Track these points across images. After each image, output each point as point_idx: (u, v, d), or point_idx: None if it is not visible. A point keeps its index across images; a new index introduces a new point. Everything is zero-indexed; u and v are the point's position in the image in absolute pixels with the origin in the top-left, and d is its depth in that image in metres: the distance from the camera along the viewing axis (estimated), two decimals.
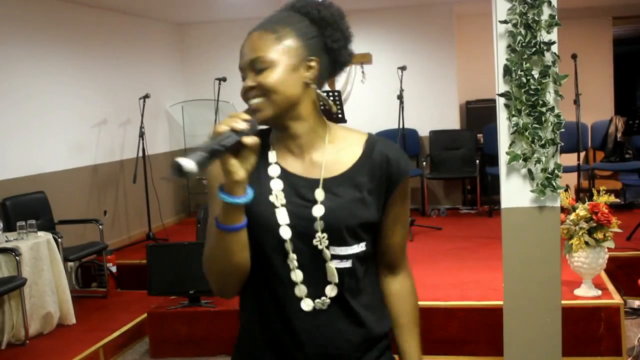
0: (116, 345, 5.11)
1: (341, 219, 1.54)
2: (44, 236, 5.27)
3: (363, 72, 8.84)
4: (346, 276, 1.57)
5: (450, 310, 4.77)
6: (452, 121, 8.74)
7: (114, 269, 6.42)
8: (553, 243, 3.30)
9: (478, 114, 8.95)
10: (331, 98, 6.55)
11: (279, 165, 1.59)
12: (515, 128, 3.20)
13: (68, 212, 6.58)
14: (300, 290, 1.55)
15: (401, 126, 6.74)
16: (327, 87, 8.48)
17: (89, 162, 7.24)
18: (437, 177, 8.60)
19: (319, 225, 1.53)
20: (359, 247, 1.57)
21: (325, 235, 1.53)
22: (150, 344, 5.12)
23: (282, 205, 1.55)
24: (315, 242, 1.54)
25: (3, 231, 5.26)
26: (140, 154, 7.27)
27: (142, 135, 7.28)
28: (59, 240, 5.45)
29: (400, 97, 6.79)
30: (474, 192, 8.55)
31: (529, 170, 3.23)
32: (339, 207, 1.54)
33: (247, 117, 1.44)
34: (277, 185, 1.57)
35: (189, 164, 1.29)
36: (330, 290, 1.56)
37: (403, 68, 6.90)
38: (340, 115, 6.62)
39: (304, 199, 1.56)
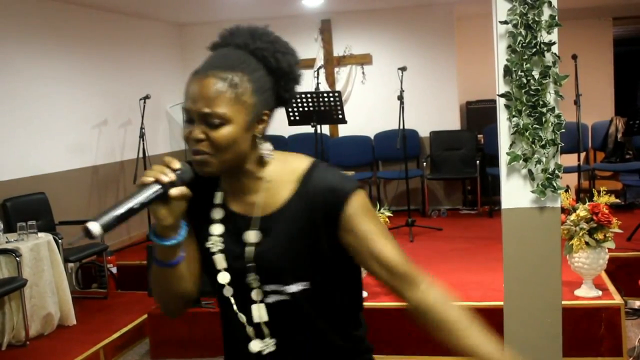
0: (116, 346, 5.11)
1: (273, 259, 1.51)
2: (45, 237, 5.27)
3: (363, 73, 8.86)
4: (287, 317, 1.54)
5: None
6: (452, 122, 8.74)
7: (114, 270, 6.42)
8: (553, 243, 3.31)
9: (478, 115, 8.94)
10: (331, 99, 6.55)
11: (223, 206, 1.58)
12: (515, 128, 3.20)
13: (68, 213, 6.58)
14: (249, 331, 1.56)
15: (401, 127, 6.74)
16: (327, 88, 8.50)
17: (90, 163, 7.25)
18: (438, 178, 8.59)
19: (250, 266, 1.52)
20: (297, 287, 1.52)
21: (257, 276, 1.52)
22: (150, 345, 5.12)
23: (220, 251, 1.55)
24: (247, 282, 1.53)
25: (3, 232, 5.26)
26: (141, 155, 7.27)
27: (142, 136, 7.28)
28: (60, 241, 5.45)
29: (400, 97, 6.79)
30: (475, 193, 8.55)
31: (530, 171, 3.23)
32: (272, 247, 1.51)
33: (177, 166, 1.42)
34: (216, 230, 1.57)
35: (95, 228, 1.32)
36: (265, 329, 1.55)
37: (403, 69, 6.90)
38: (340, 116, 6.62)
39: (242, 240, 1.54)
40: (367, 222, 1.51)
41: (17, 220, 5.38)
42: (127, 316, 5.46)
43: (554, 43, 3.16)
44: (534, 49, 3.13)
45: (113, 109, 7.64)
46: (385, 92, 8.25)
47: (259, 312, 1.54)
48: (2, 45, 5.99)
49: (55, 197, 6.36)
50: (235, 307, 1.55)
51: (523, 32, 3.13)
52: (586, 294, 4.65)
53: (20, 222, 5.26)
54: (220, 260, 1.55)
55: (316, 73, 7.28)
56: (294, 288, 1.52)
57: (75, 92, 7.01)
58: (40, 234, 5.31)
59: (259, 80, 1.47)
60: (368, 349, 1.72)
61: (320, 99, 6.54)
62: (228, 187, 1.57)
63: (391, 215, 4.92)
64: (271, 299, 1.53)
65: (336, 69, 8.90)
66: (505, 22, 3.18)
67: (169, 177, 1.40)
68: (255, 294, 1.53)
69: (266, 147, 1.52)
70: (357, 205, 1.50)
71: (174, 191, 1.40)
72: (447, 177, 8.57)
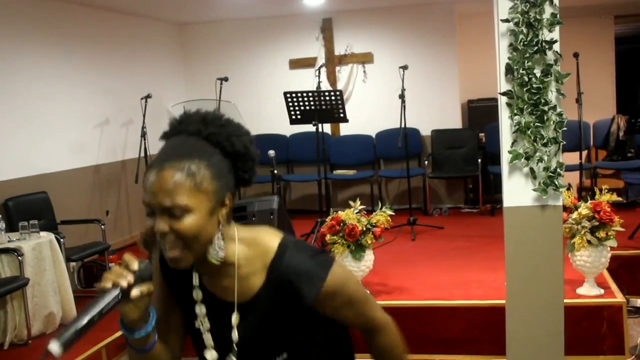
0: (118, 344, 5.11)
1: (253, 344, 1.57)
2: (47, 236, 5.27)
3: (365, 72, 8.86)
4: None
5: (453, 309, 4.76)
6: (453, 120, 8.73)
7: None
8: (555, 242, 3.30)
9: (480, 113, 8.94)
10: (333, 98, 6.55)
11: (201, 288, 1.60)
12: (517, 127, 3.20)
13: (70, 212, 6.58)
14: None
15: (403, 125, 6.74)
16: (328, 87, 8.50)
17: (91, 162, 7.25)
18: (439, 177, 8.59)
19: (234, 350, 1.58)
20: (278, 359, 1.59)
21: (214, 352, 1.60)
22: None
23: (208, 331, 1.60)
24: None
25: (5, 231, 5.26)
26: (142, 154, 7.28)
27: (144, 135, 7.28)
28: (62, 240, 5.46)
29: (402, 96, 6.79)
30: (476, 191, 8.54)
31: (531, 169, 3.22)
32: (252, 333, 1.56)
33: (135, 267, 1.42)
34: (201, 310, 1.60)
35: (55, 348, 1.35)
36: None
37: (405, 67, 6.89)
38: (342, 115, 6.62)
39: (224, 322, 1.58)
40: (335, 301, 1.57)
41: (19, 220, 5.38)
42: None
43: (556, 41, 3.15)
44: (536, 47, 3.13)
45: (114, 108, 7.64)
46: (387, 91, 8.25)
47: None
48: (3, 45, 5.99)
49: (57, 197, 6.37)
50: None
51: (524, 30, 3.13)
52: (588, 293, 4.65)
53: (22, 221, 5.26)
54: (208, 339, 1.61)
55: (317, 72, 7.28)
56: None
57: (77, 91, 7.02)
58: (42, 233, 5.31)
59: (216, 165, 1.46)
60: None
61: (322, 98, 6.54)
62: (201, 270, 1.58)
63: (393, 214, 4.92)
64: None
65: (337, 68, 8.90)
66: (507, 21, 3.17)
67: (127, 279, 1.40)
68: (210, 355, 1.60)
69: (218, 245, 1.49)
70: (332, 287, 1.54)
71: (134, 292, 1.41)
72: (448, 175, 8.58)
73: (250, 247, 1.54)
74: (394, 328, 1.74)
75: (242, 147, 1.50)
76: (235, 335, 1.56)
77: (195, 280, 1.60)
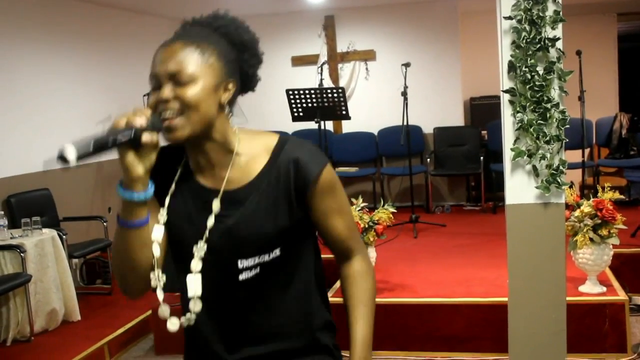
0: (121, 341, 5.12)
1: (248, 230, 1.54)
2: (49, 233, 5.28)
3: (367, 69, 8.86)
4: (255, 284, 1.58)
5: (455, 306, 4.76)
6: (456, 118, 8.73)
7: None
8: (558, 239, 3.30)
9: (482, 111, 8.93)
10: (335, 95, 6.55)
11: (191, 181, 1.59)
12: (520, 124, 3.19)
13: (72, 209, 6.59)
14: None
15: (405, 123, 6.73)
16: (331, 84, 8.48)
17: (93, 159, 7.24)
18: (441, 174, 8.59)
19: (204, 234, 1.54)
20: (269, 256, 1.57)
21: (205, 245, 1.55)
22: (155, 341, 5.13)
23: (165, 223, 1.58)
24: (194, 249, 1.56)
25: (8, 228, 5.27)
26: None
27: None
28: (64, 237, 5.47)
29: (404, 93, 6.78)
30: (478, 189, 8.54)
31: (534, 167, 3.22)
32: (246, 219, 1.54)
33: (149, 113, 1.44)
34: (170, 203, 1.59)
35: (70, 153, 1.34)
36: (194, 305, 1.57)
37: (407, 65, 6.88)
38: (344, 112, 6.61)
39: (197, 207, 1.57)
40: (329, 199, 1.60)
41: (21, 216, 5.39)
42: (131, 312, 5.47)
43: (559, 39, 3.15)
44: (539, 45, 3.12)
45: (116, 105, 7.63)
46: (389, 88, 8.24)
47: (193, 284, 1.56)
48: (4, 42, 5.99)
49: (60, 194, 6.38)
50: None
51: (527, 28, 3.12)
52: (590, 290, 4.65)
53: (25, 218, 5.27)
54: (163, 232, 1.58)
55: (320, 69, 7.28)
56: (266, 257, 1.56)
57: (79, 88, 7.02)
58: (45, 230, 5.32)
59: (223, 50, 1.53)
60: (331, 324, 1.74)
61: (324, 95, 6.54)
62: (196, 162, 1.57)
63: (395, 211, 4.92)
64: (244, 270, 1.56)
65: (340, 65, 8.90)
66: (510, 18, 3.17)
67: (141, 122, 1.41)
68: (194, 264, 1.55)
69: (240, 112, 1.62)
70: (323, 183, 1.57)
71: (146, 137, 1.42)
72: (450, 173, 8.57)
73: (252, 139, 1.60)
74: (369, 258, 1.74)
75: (249, 38, 1.57)
76: (210, 221, 1.54)
77: (177, 176, 1.60)
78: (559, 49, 3.15)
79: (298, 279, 1.64)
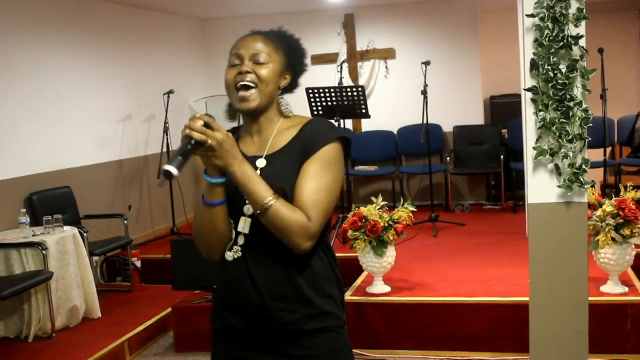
0: (141, 339, 5.15)
1: (272, 182, 1.84)
2: (70, 230, 5.32)
3: (387, 67, 8.84)
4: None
5: (475, 306, 4.74)
6: (476, 116, 8.69)
7: (138, 264, 6.47)
8: (580, 239, 3.27)
9: (502, 109, 8.89)
10: (355, 93, 6.53)
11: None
12: (542, 123, 3.16)
13: (93, 207, 6.64)
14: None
15: (425, 121, 6.70)
16: (350, 83, 8.47)
17: (114, 157, 7.30)
18: (461, 173, 8.55)
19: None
20: None
21: None
22: (174, 338, 5.15)
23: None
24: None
25: (30, 225, 5.32)
26: (165, 149, 7.31)
27: (166, 130, 7.32)
28: (85, 234, 5.51)
29: (424, 92, 6.75)
30: (498, 188, 8.50)
31: (556, 166, 3.19)
32: (272, 174, 1.89)
33: (205, 119, 1.77)
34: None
35: (174, 170, 1.66)
36: (240, 239, 1.93)
37: (427, 63, 6.85)
38: (364, 111, 6.60)
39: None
40: (317, 165, 1.89)
41: (43, 214, 5.44)
42: (151, 309, 5.50)
43: (582, 36, 3.11)
44: (561, 43, 3.09)
45: (137, 104, 7.69)
46: (409, 87, 8.23)
47: (243, 224, 1.92)
48: (28, 41, 6.04)
49: (81, 191, 6.42)
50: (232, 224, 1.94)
51: (550, 26, 3.09)
52: (612, 290, 4.61)
53: (46, 215, 5.31)
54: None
55: (339, 67, 7.27)
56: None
57: (100, 87, 7.07)
58: (66, 228, 5.36)
59: (286, 51, 2.01)
60: (338, 279, 2.02)
61: (344, 94, 6.53)
62: (249, 131, 2.01)
63: (414, 210, 4.91)
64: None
65: (359, 64, 8.89)
66: (532, 16, 3.14)
67: (196, 135, 1.74)
68: (247, 209, 1.90)
69: (284, 102, 2.03)
70: (324, 152, 1.90)
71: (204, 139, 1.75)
72: (470, 172, 8.53)
73: (292, 118, 2.03)
74: (314, 229, 1.86)
75: (301, 49, 2.08)
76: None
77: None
78: (582, 47, 3.12)
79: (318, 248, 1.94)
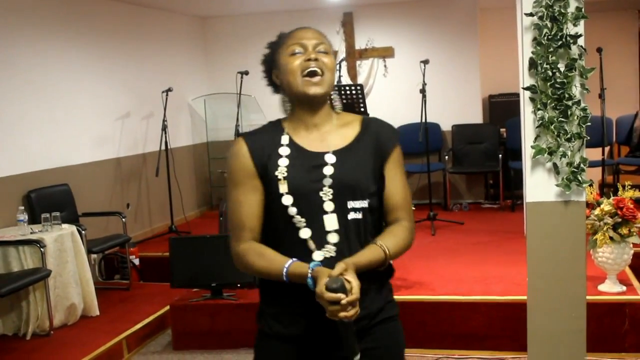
0: (139, 337, 5.15)
1: (348, 178, 1.92)
2: (68, 228, 5.31)
3: (385, 66, 8.84)
4: (349, 228, 1.93)
5: (473, 304, 4.75)
6: (474, 115, 8.69)
7: (136, 262, 6.47)
8: (578, 238, 3.27)
9: (501, 108, 8.89)
10: (353, 92, 6.52)
11: (291, 145, 1.99)
12: (540, 122, 3.17)
13: (91, 205, 6.63)
14: (310, 244, 1.91)
15: (423, 120, 6.71)
16: (349, 81, 8.47)
17: (112, 155, 7.29)
18: (460, 172, 8.56)
19: (327, 182, 1.92)
20: (361, 204, 1.94)
21: (331, 190, 1.92)
22: (172, 336, 5.15)
23: (284, 178, 1.93)
24: (321, 194, 1.91)
25: (28, 223, 5.32)
26: (163, 147, 7.31)
27: (164, 128, 7.32)
28: (83, 232, 5.50)
29: (422, 90, 6.75)
30: (497, 187, 8.50)
31: (554, 164, 3.20)
32: (346, 170, 1.94)
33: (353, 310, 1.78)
34: (283, 163, 1.96)
35: (358, 356, 1.81)
36: (332, 237, 1.91)
37: (425, 62, 6.86)
38: (362, 109, 6.59)
39: (311, 165, 1.95)
40: (397, 169, 2.02)
41: (41, 212, 5.43)
42: (149, 307, 5.50)
43: (580, 35, 3.12)
44: (560, 42, 3.09)
45: (136, 102, 7.68)
46: (407, 85, 8.22)
47: (330, 221, 1.91)
48: (27, 39, 6.03)
49: (79, 189, 6.42)
50: (301, 223, 1.91)
51: (549, 24, 3.09)
52: (610, 289, 4.62)
53: (45, 213, 5.31)
54: (283, 186, 1.93)
55: (338, 66, 7.27)
56: (358, 204, 1.94)
57: (99, 84, 7.06)
58: (64, 225, 5.35)
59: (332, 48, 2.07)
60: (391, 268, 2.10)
61: (342, 92, 6.52)
62: (301, 123, 2.01)
63: (413, 208, 4.90)
64: (351, 211, 1.93)
65: (358, 62, 8.88)
66: (531, 14, 3.14)
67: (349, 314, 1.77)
68: (327, 206, 1.91)
69: (336, 97, 2.07)
70: (396, 154, 2.03)
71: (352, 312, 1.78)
72: (469, 170, 8.54)
73: (344, 115, 2.08)
74: (413, 229, 2.06)
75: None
76: (329, 170, 1.94)
77: (285, 140, 2.00)
78: (581, 46, 3.12)
79: (373, 230, 2.01)
